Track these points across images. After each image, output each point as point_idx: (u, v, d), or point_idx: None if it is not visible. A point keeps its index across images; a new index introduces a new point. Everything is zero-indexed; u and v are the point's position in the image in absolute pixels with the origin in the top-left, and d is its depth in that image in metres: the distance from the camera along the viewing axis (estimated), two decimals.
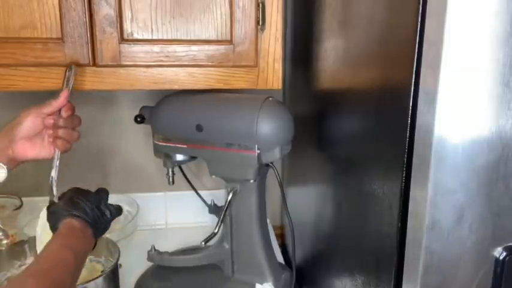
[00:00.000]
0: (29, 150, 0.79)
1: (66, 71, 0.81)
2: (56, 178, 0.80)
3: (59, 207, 0.76)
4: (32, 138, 0.79)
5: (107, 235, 0.95)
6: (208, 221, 1.10)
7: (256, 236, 0.94)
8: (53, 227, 0.74)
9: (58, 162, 0.80)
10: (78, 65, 0.83)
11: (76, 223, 0.73)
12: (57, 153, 0.80)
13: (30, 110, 0.79)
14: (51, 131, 0.79)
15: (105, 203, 0.80)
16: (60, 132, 0.79)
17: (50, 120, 0.78)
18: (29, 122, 0.78)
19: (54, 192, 0.79)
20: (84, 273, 0.81)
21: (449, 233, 0.50)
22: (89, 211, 0.75)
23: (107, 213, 0.78)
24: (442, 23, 0.46)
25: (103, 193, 0.81)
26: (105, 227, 0.79)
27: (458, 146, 0.48)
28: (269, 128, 0.85)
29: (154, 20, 0.83)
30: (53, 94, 0.84)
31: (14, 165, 0.79)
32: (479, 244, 0.51)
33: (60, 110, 0.79)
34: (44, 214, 0.79)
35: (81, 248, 0.71)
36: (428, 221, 0.50)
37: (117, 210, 0.81)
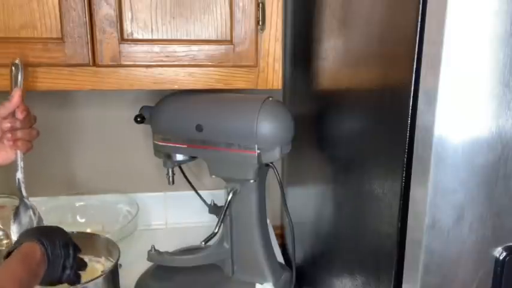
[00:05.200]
0: None
1: (11, 68, 0.78)
2: (22, 179, 0.79)
3: (34, 229, 0.74)
4: None
5: (107, 235, 0.95)
6: (208, 221, 1.10)
7: (256, 236, 0.94)
8: (18, 242, 0.70)
9: (22, 163, 0.79)
10: (78, 65, 0.83)
11: (39, 253, 0.68)
12: (20, 155, 0.79)
13: None
14: (9, 135, 0.77)
15: (68, 266, 0.73)
16: (19, 133, 0.77)
17: (7, 124, 0.76)
18: None
19: (24, 193, 0.79)
20: (84, 273, 0.81)
21: (449, 233, 0.50)
22: (56, 255, 0.70)
23: (67, 271, 0.73)
24: (442, 23, 0.46)
25: (75, 249, 0.75)
26: (55, 278, 0.72)
27: (458, 146, 0.48)
28: (269, 128, 0.85)
29: (154, 20, 0.83)
30: (52, 93, 0.84)
31: None
32: (479, 244, 0.51)
33: (14, 112, 0.77)
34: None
35: (28, 281, 0.65)
36: (428, 220, 0.50)
37: (76, 277, 0.76)
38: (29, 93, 0.81)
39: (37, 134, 0.80)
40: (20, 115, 0.77)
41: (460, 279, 0.53)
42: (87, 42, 0.82)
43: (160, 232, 1.25)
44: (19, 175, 0.79)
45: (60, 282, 0.74)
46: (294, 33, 1.08)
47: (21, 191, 0.80)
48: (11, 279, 0.63)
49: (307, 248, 1.01)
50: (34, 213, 0.82)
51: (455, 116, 0.48)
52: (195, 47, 0.86)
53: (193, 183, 1.09)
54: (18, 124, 0.77)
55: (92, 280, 0.81)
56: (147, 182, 1.24)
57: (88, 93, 1.17)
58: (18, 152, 0.78)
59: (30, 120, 0.79)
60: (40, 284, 0.70)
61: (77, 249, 0.76)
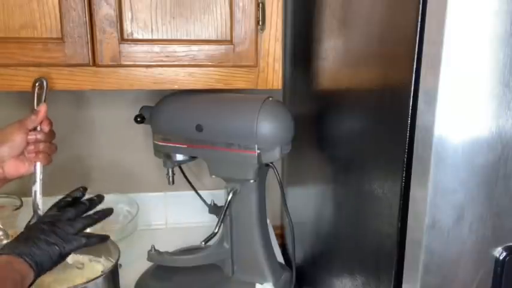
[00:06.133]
0: (21, 167, 0.79)
1: (35, 84, 0.81)
2: (40, 192, 0.80)
3: (13, 241, 0.72)
4: (20, 155, 0.79)
5: None
6: (208, 221, 1.10)
7: (256, 236, 0.94)
8: None
9: (41, 176, 0.80)
10: (78, 65, 0.83)
11: (12, 259, 0.66)
12: (40, 168, 0.80)
13: (12, 127, 0.79)
14: (32, 147, 0.79)
15: (68, 223, 0.74)
16: (42, 146, 0.79)
17: (32, 136, 0.79)
18: (18, 140, 0.78)
19: (40, 206, 0.80)
20: (84, 274, 0.81)
21: (449, 233, 0.50)
22: (40, 244, 0.69)
23: (60, 243, 0.71)
24: (442, 23, 0.46)
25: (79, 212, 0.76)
26: (53, 259, 0.71)
27: (458, 146, 0.48)
28: (269, 128, 0.85)
29: (154, 20, 0.83)
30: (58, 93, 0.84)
31: (2, 184, 0.79)
32: (479, 244, 0.51)
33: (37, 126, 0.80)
34: None
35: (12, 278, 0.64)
36: (428, 220, 0.50)
37: (88, 239, 0.75)
38: (28, 93, 0.81)
39: (56, 149, 0.82)
40: (45, 128, 0.80)
41: (460, 279, 0.53)
42: (87, 42, 0.82)
43: (160, 232, 1.25)
44: (36, 188, 0.80)
45: (68, 253, 0.73)
46: (294, 33, 1.08)
47: (36, 204, 0.80)
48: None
49: (307, 248, 1.01)
50: None
51: (455, 116, 0.48)
52: (195, 47, 0.85)
53: (193, 183, 1.09)
54: (41, 137, 0.79)
55: (92, 280, 0.81)
56: (147, 182, 1.24)
57: (88, 93, 1.17)
58: (38, 165, 0.80)
59: (51, 135, 0.82)
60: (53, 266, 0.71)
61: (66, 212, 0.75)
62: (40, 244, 0.70)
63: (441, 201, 0.50)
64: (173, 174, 1.00)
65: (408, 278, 0.54)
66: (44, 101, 0.80)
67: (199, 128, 0.89)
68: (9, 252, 0.67)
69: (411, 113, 0.51)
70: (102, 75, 0.85)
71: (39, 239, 0.70)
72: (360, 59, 0.68)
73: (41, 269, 0.69)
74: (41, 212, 0.80)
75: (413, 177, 0.52)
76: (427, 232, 0.50)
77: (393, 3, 0.57)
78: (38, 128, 0.80)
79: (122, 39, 0.83)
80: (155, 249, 0.96)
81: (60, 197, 1.18)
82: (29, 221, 0.80)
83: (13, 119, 0.80)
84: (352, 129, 0.73)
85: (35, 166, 0.80)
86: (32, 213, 0.81)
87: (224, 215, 0.91)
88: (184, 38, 0.85)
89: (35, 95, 0.80)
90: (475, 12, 0.45)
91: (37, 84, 0.81)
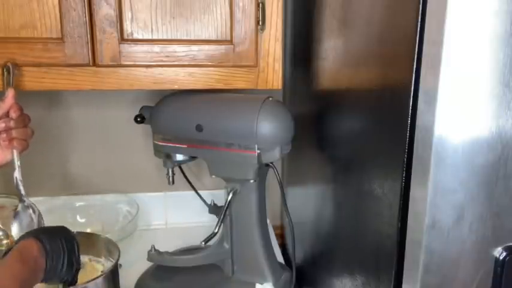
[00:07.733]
0: None
1: (3, 71, 0.79)
2: (20, 178, 0.80)
3: (34, 229, 0.75)
4: None
5: (107, 235, 0.95)
6: (208, 221, 1.10)
7: (256, 236, 0.94)
8: (16, 242, 0.71)
9: (19, 162, 0.79)
10: (78, 65, 0.83)
11: (36, 247, 0.69)
12: (16, 154, 0.79)
13: None
14: (4, 135, 0.78)
15: (74, 261, 0.75)
16: (14, 132, 0.78)
17: (2, 124, 0.77)
18: None
19: (22, 192, 0.80)
20: (84, 273, 0.81)
21: (449, 233, 0.51)
22: (56, 248, 0.71)
23: (67, 272, 0.73)
24: (442, 23, 0.46)
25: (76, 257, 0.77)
26: (58, 276, 0.73)
27: (458, 146, 0.48)
28: (269, 128, 0.85)
29: (154, 20, 0.83)
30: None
31: None
32: (479, 244, 0.51)
33: (8, 112, 0.78)
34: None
35: (28, 277, 0.66)
36: (428, 220, 0.50)
37: (73, 278, 0.76)
38: (29, 93, 0.81)
39: (32, 133, 0.81)
40: (13, 114, 0.78)
41: (460, 279, 0.53)
42: (87, 42, 0.82)
43: (160, 232, 1.25)
44: (16, 174, 0.80)
45: (68, 278, 0.74)
46: (294, 33, 1.08)
47: (20, 190, 0.80)
48: (10, 276, 0.63)
49: (307, 248, 1.01)
50: (34, 212, 0.82)
51: (455, 116, 0.48)
52: (195, 47, 0.86)
53: (193, 183, 1.10)
54: (12, 123, 0.78)
55: (92, 280, 0.81)
56: (147, 182, 1.24)
57: (88, 93, 1.17)
58: (15, 151, 0.79)
59: (24, 120, 0.80)
60: (46, 281, 0.71)
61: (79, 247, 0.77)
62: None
63: (441, 201, 0.50)
64: (173, 174, 1.00)
65: (408, 278, 0.55)
66: (12, 86, 0.78)
67: (199, 128, 0.89)
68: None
69: (411, 113, 0.51)
70: (102, 75, 0.85)
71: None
72: (359, 59, 0.68)
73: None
74: (24, 198, 0.79)
75: (413, 177, 0.52)
76: (427, 232, 0.50)
77: (393, 3, 0.57)
78: (12, 115, 0.78)
79: (122, 39, 0.83)
80: (155, 249, 0.96)
81: (61, 197, 1.18)
82: (16, 207, 0.80)
83: None
84: (352, 129, 0.73)
85: (12, 153, 0.79)
86: None
87: (224, 215, 0.91)
88: (184, 38, 0.85)
89: (4, 81, 0.78)
90: (475, 12, 0.45)
91: (4, 69, 0.79)
